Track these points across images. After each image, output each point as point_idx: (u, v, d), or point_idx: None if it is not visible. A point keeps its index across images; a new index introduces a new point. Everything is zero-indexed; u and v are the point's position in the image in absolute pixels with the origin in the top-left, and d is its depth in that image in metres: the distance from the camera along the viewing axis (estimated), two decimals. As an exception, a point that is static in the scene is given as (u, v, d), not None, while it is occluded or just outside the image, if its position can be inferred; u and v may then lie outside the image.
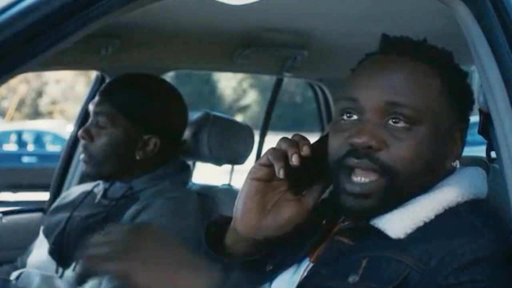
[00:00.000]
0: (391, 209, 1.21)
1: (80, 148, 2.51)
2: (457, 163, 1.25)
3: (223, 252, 1.34)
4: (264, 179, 1.29)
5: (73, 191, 2.20)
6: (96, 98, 2.00)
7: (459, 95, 1.26)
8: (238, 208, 1.30)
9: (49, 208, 2.23)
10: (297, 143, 1.27)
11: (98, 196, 2.03)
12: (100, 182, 2.07)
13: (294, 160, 1.25)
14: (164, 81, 2.15)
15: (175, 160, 2.07)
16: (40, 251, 1.99)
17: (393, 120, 1.21)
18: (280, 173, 1.25)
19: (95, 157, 1.96)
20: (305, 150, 1.26)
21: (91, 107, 2.00)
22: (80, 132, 1.97)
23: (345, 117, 1.24)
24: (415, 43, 1.28)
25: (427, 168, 1.21)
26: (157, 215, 1.86)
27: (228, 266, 1.33)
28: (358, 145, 1.19)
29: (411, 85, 1.22)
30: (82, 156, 1.98)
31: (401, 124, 1.20)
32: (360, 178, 1.20)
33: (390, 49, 1.28)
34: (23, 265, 2.04)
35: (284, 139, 1.30)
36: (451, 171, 1.26)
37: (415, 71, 1.23)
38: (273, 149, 1.29)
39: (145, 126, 1.97)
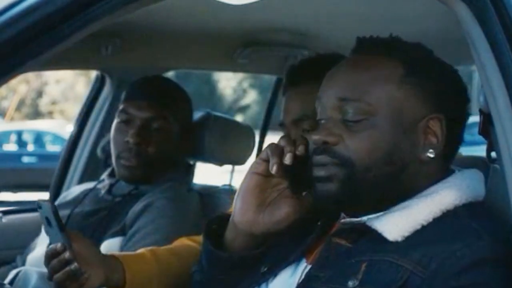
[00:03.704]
0: (361, 203, 1.23)
1: (80, 149, 2.51)
2: (431, 153, 1.23)
3: (223, 247, 1.36)
4: (263, 174, 1.32)
5: (74, 190, 2.21)
6: (143, 102, 1.99)
7: (432, 84, 1.24)
8: (237, 201, 1.33)
9: None
10: (295, 142, 1.29)
11: (103, 192, 2.04)
12: (105, 178, 2.07)
13: (288, 158, 1.28)
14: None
15: (183, 161, 2.11)
16: (41, 249, 1.99)
17: (348, 115, 1.22)
18: (273, 169, 1.29)
19: (153, 160, 1.97)
20: (301, 150, 1.28)
21: (134, 112, 1.98)
22: (135, 140, 1.95)
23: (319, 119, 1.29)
24: (382, 39, 1.29)
25: (387, 158, 1.21)
26: (159, 216, 1.86)
27: (227, 261, 1.35)
28: (315, 142, 1.24)
29: (362, 78, 1.23)
30: (132, 161, 1.96)
31: (355, 118, 1.22)
32: (327, 166, 1.23)
33: (357, 49, 1.30)
34: (23, 265, 2.04)
35: (284, 136, 1.33)
36: (441, 166, 1.25)
37: (368, 64, 1.25)
38: (272, 144, 1.32)
39: (184, 123, 2.06)
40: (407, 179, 1.23)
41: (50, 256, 1.44)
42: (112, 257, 1.57)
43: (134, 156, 1.96)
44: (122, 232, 1.87)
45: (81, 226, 1.94)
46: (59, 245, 1.44)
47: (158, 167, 1.99)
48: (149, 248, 1.69)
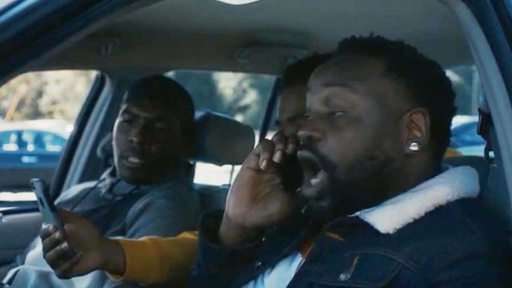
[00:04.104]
0: (353, 201, 1.24)
1: (80, 149, 2.50)
2: (415, 146, 1.24)
3: (217, 240, 1.38)
4: (256, 169, 1.33)
5: (75, 188, 2.21)
6: (146, 102, 1.99)
7: (415, 78, 1.26)
8: (231, 195, 1.35)
9: None
10: (286, 139, 1.31)
11: (103, 191, 2.04)
12: (106, 177, 2.07)
13: (276, 156, 1.31)
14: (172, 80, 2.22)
15: (184, 161, 2.11)
16: (41, 247, 1.99)
17: (332, 103, 1.25)
18: (262, 164, 1.31)
19: (155, 160, 1.97)
20: (290, 148, 1.30)
21: (138, 112, 1.98)
22: (138, 139, 1.95)
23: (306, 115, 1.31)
24: (363, 39, 1.31)
25: (369, 153, 1.22)
26: (158, 216, 1.86)
27: (219, 254, 1.36)
28: (301, 137, 1.26)
29: (346, 71, 1.26)
30: (135, 160, 1.96)
31: (340, 113, 1.24)
32: (313, 180, 1.25)
33: (340, 49, 1.32)
34: (23, 263, 2.04)
35: (278, 134, 1.35)
36: (429, 159, 1.26)
37: (351, 61, 1.27)
38: (266, 140, 1.34)
39: (186, 123, 2.06)
40: (393, 173, 1.24)
41: (43, 236, 1.47)
42: (112, 241, 1.59)
43: (137, 155, 1.96)
44: (122, 232, 1.87)
45: None
46: (51, 226, 1.45)
47: (160, 167, 1.99)
48: (151, 237, 1.70)
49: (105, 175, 2.11)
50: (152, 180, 1.99)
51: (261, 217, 1.33)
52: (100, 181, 2.09)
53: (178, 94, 2.08)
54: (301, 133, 1.26)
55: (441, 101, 1.28)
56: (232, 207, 1.35)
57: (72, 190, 2.22)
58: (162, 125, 1.98)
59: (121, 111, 2.03)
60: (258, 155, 1.33)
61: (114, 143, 2.02)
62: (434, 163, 1.28)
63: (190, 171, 2.14)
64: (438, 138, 1.28)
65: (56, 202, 2.17)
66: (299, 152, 1.26)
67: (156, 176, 1.99)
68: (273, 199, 1.34)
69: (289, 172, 1.33)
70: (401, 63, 1.26)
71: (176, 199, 1.94)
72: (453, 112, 1.31)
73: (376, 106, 1.23)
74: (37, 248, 2.01)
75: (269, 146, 1.32)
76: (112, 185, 2.03)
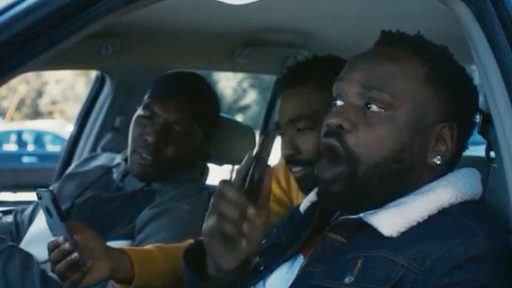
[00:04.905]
0: (365, 200, 1.22)
1: (80, 148, 2.50)
2: (439, 160, 1.23)
3: (207, 276, 1.26)
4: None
5: (88, 163, 2.17)
6: (169, 103, 1.94)
7: (452, 91, 1.25)
8: (204, 244, 1.24)
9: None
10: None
11: (116, 179, 2.01)
12: (121, 162, 2.04)
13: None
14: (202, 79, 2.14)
15: (200, 163, 2.09)
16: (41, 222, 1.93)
17: (369, 105, 1.22)
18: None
19: (168, 161, 1.93)
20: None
21: (159, 111, 1.93)
22: (154, 139, 1.90)
23: (333, 102, 1.28)
24: (407, 35, 1.29)
25: (397, 156, 1.21)
26: (168, 227, 1.84)
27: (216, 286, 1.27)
28: (330, 124, 1.23)
29: (388, 70, 1.23)
30: (144, 156, 1.92)
31: (376, 109, 1.22)
32: (329, 165, 1.22)
33: (380, 41, 1.30)
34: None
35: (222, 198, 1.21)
36: (444, 172, 1.26)
37: (394, 57, 1.24)
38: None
39: (208, 129, 2.03)
40: (412, 179, 1.23)
41: (52, 248, 1.44)
42: (118, 250, 1.57)
43: (150, 153, 1.92)
44: (130, 235, 1.85)
45: (90, 214, 1.92)
46: (61, 238, 1.43)
47: (172, 168, 1.96)
48: (156, 244, 1.69)
49: (119, 159, 2.07)
50: (161, 178, 1.95)
51: (240, 255, 1.19)
52: (115, 166, 2.05)
53: (204, 97, 2.02)
54: (331, 120, 1.22)
55: (469, 117, 1.28)
56: (214, 267, 1.22)
57: (86, 164, 2.18)
58: (181, 129, 1.94)
59: (142, 105, 1.97)
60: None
61: (129, 135, 1.97)
62: (446, 173, 1.26)
63: (204, 171, 2.10)
64: (458, 152, 1.27)
65: (69, 171, 2.15)
66: (324, 140, 1.23)
67: (167, 176, 1.95)
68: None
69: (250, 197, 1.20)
70: (442, 71, 1.25)
71: (192, 204, 1.91)
72: (474, 126, 1.30)
73: (413, 110, 1.21)
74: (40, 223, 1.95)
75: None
76: (124, 175, 2.00)
